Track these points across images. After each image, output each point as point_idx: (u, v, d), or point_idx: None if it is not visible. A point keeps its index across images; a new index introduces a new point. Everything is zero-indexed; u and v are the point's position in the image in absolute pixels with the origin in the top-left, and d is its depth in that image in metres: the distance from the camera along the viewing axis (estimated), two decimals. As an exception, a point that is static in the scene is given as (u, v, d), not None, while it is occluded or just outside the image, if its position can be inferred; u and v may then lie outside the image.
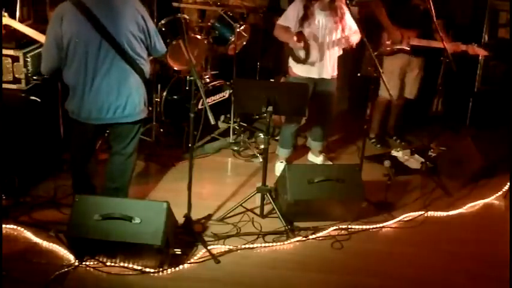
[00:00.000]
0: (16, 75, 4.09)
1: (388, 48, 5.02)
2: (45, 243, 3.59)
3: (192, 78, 3.63)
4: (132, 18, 3.54)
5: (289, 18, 4.39)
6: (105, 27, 3.42)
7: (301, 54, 4.42)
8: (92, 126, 3.63)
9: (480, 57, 5.83)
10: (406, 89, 5.26)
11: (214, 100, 5.12)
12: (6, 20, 3.95)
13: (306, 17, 4.32)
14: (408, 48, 5.00)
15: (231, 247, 3.70)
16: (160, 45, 3.77)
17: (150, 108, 5.08)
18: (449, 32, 4.97)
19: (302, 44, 4.27)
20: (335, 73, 4.59)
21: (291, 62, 4.57)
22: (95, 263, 3.42)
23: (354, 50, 4.72)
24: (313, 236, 3.89)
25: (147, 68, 3.69)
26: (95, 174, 3.96)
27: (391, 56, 5.05)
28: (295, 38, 4.25)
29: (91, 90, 3.51)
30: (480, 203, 4.50)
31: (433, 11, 4.52)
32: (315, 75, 4.47)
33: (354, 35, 4.42)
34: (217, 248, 3.68)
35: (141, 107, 3.72)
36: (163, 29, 4.95)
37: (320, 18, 4.35)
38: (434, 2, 4.57)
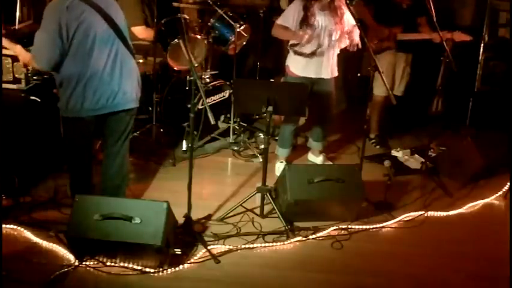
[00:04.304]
0: (16, 75, 4.09)
1: (374, 47, 4.98)
2: (45, 243, 3.59)
3: (192, 78, 3.64)
4: (120, 10, 3.65)
5: (289, 18, 4.38)
6: (111, 15, 3.50)
7: (304, 50, 4.41)
8: (91, 120, 3.62)
9: (480, 57, 5.85)
10: (394, 86, 5.25)
11: (214, 100, 5.12)
12: None
13: (305, 17, 4.31)
14: (393, 45, 5.02)
15: (231, 247, 3.70)
16: None
17: (150, 108, 5.10)
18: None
19: (307, 37, 4.27)
20: (335, 74, 4.58)
21: (289, 61, 4.57)
22: (95, 263, 3.42)
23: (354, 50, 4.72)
24: (313, 236, 3.89)
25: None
26: (94, 174, 3.96)
27: (378, 54, 5.03)
28: (300, 33, 4.26)
29: (102, 77, 3.51)
30: (480, 203, 4.50)
31: (433, 10, 4.52)
32: (312, 75, 4.47)
33: (354, 31, 4.42)
34: (217, 248, 3.68)
35: (140, 93, 3.79)
36: (163, 29, 4.95)
37: (320, 19, 4.35)
38: (435, 3, 4.58)
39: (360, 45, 4.45)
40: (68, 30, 3.39)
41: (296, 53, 4.46)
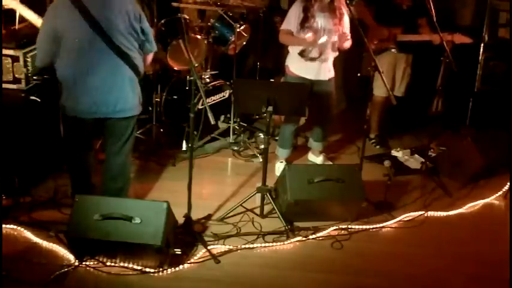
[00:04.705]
0: (16, 75, 4.08)
1: (374, 47, 4.98)
2: (45, 243, 3.59)
3: (192, 78, 3.64)
4: (125, 13, 3.53)
5: (290, 21, 4.39)
6: (97, 21, 3.43)
7: (312, 54, 4.40)
8: (89, 121, 3.62)
9: (480, 57, 5.84)
10: (395, 87, 5.25)
11: (214, 100, 5.11)
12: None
13: (306, 19, 4.31)
14: (394, 46, 5.03)
15: (231, 247, 3.70)
16: (151, 45, 3.76)
17: (150, 108, 5.10)
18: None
19: (312, 37, 4.27)
20: (332, 74, 4.58)
21: (289, 61, 4.57)
22: (95, 263, 3.42)
23: (354, 50, 4.72)
24: (313, 236, 3.89)
25: (140, 63, 3.69)
26: (95, 174, 3.96)
27: (379, 55, 5.01)
28: (307, 37, 4.27)
29: (85, 84, 3.50)
30: (480, 203, 4.50)
31: (433, 11, 4.52)
32: (312, 77, 4.47)
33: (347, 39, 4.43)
34: (217, 248, 3.68)
35: (135, 102, 3.71)
36: (163, 29, 4.95)
37: (319, 20, 4.34)
38: (435, 3, 4.58)
39: (348, 37, 4.44)
40: (57, 32, 3.43)
41: (303, 56, 4.43)
